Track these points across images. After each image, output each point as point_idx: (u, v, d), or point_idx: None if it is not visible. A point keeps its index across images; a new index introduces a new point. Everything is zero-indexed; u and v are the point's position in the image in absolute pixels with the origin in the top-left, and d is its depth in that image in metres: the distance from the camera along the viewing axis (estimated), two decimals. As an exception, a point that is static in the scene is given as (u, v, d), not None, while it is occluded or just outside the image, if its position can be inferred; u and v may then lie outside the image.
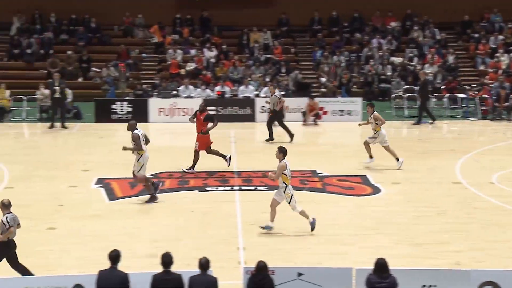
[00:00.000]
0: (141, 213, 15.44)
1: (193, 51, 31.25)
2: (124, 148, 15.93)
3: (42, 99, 25.10)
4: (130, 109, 25.48)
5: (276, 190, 14.11)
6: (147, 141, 16.05)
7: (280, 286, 9.84)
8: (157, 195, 15.94)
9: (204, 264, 9.55)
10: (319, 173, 18.75)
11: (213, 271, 9.71)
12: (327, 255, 12.73)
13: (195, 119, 18.71)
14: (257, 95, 27.69)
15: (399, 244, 13.33)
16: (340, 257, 12.51)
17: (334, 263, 11.81)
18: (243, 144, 22.47)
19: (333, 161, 20.08)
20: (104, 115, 25.28)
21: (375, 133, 19.22)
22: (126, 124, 22.00)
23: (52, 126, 23.81)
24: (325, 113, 26.92)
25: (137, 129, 15.95)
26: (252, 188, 17.43)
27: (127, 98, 26.63)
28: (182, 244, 13.09)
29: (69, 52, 29.82)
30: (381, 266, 9.38)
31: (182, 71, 29.81)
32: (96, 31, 31.75)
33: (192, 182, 17.80)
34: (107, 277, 9.50)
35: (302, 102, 26.72)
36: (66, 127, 23.83)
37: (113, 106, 25.53)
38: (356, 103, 27.36)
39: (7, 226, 11.12)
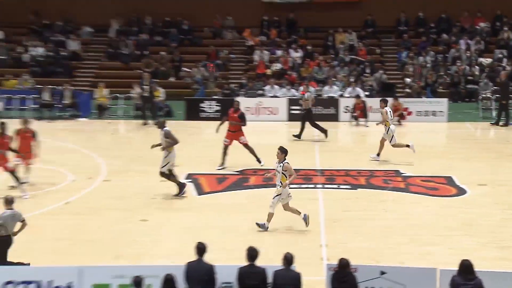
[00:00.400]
0: (227, 208, 15.56)
1: (279, 52, 31.29)
2: (153, 146, 16.16)
3: (136, 98, 25.72)
4: (218, 108, 25.74)
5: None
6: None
7: (363, 283, 9.68)
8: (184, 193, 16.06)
9: (289, 259, 9.52)
10: (403, 173, 18.38)
11: (296, 266, 9.66)
12: (410, 254, 12.44)
13: (227, 118, 18.64)
14: (341, 95, 27.44)
15: (486, 246, 12.88)
16: (424, 257, 12.20)
17: (418, 263, 11.52)
18: (326, 143, 22.30)
19: (417, 161, 19.62)
20: (193, 113, 25.66)
21: (387, 129, 19.19)
22: (215, 122, 22.37)
23: (145, 123, 24.35)
24: (409, 113, 26.37)
25: (165, 126, 16.18)
26: (335, 186, 17.27)
27: (215, 97, 26.94)
28: (266, 239, 13.09)
29: (162, 53, 30.43)
30: (466, 267, 9.08)
31: (268, 72, 29.90)
32: (188, 33, 32.27)
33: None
34: (195, 268, 9.62)
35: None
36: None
37: (202, 105, 25.88)
38: (442, 104, 26.70)
39: (21, 219, 11.47)
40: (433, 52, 31.43)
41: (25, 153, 16.17)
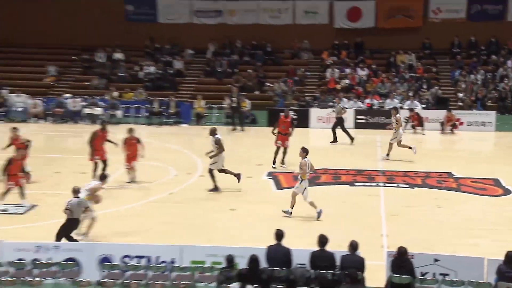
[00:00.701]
0: (301, 201, 15.46)
1: (347, 70, 30.92)
2: (207, 154, 16.07)
3: (227, 108, 26.00)
4: (295, 117, 25.63)
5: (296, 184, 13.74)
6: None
7: (418, 269, 9.43)
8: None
9: (355, 245, 9.39)
10: (455, 175, 17.79)
11: (360, 252, 9.51)
12: (461, 245, 12.02)
13: (278, 123, 18.52)
14: (401, 107, 26.80)
15: (529, 240, 12.30)
16: (473, 248, 11.76)
17: (467, 252, 11.11)
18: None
19: (468, 165, 18.95)
20: (274, 121, 25.57)
21: (394, 132, 19.12)
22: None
23: (234, 129, 24.56)
24: (461, 123, 25.50)
25: (216, 134, 16.05)
26: (395, 185, 16.90)
27: (293, 107, 26.86)
28: (334, 228, 12.93)
29: (249, 71, 30.64)
30: (511, 258, 8.70)
31: (338, 86, 29.59)
32: (271, 54, 32.37)
33: (343, 178, 17.58)
34: (274, 251, 9.62)
35: (440, 114, 25.52)
36: (244, 130, 24.48)
37: (282, 114, 25.83)
38: (490, 116, 25.71)
39: (68, 207, 11.62)
40: (483, 71, 30.28)
41: (132, 157, 16.39)
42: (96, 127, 23.83)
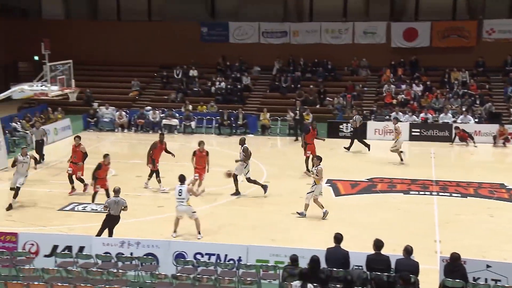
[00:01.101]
0: (358, 207, 15.25)
1: (403, 86, 30.24)
2: (237, 161, 16.05)
3: (290, 120, 25.96)
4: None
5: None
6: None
7: (471, 274, 9.08)
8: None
9: (410, 250, 9.15)
10: (507, 186, 17.02)
11: (414, 256, 9.25)
12: (512, 253, 11.49)
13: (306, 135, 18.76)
14: (454, 121, 25.94)
15: None
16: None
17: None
18: (441, 159, 21.20)
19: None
20: (334, 132, 25.43)
21: (395, 141, 19.80)
22: (348, 140, 22.07)
23: (296, 140, 24.50)
24: (513, 137, 24.37)
25: (245, 144, 16.07)
26: (448, 194, 16.35)
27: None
28: (389, 233, 12.66)
29: (311, 86, 30.54)
30: None
31: (394, 101, 28.97)
32: (331, 70, 32.12)
33: (398, 187, 17.18)
34: (333, 253, 9.51)
35: (493, 128, 24.50)
36: (306, 140, 24.36)
37: (341, 126, 25.61)
38: (543, 130, 24.38)
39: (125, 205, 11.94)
40: (537, 87, 28.83)
41: (201, 168, 16.26)
42: (172, 136, 24.49)
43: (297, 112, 24.64)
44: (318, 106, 29.67)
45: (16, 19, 34.93)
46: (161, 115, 26.32)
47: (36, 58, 29.33)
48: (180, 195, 12.52)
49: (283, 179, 18.12)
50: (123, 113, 26.24)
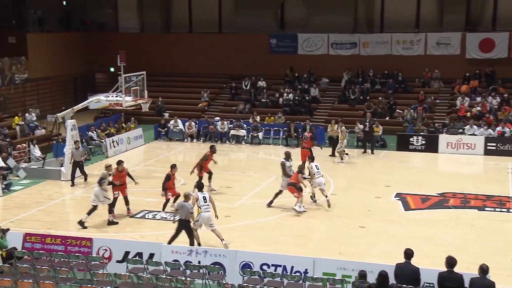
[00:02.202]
0: (429, 222, 14.79)
1: (478, 98, 29.11)
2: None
3: (358, 132, 25.60)
4: (423, 142, 24.65)
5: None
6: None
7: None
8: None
9: (485, 269, 8.77)
10: None
11: (490, 275, 8.85)
12: None
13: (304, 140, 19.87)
14: (533, 135, 24.65)
15: None
16: None
17: None
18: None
19: None
20: (403, 145, 24.83)
21: (340, 142, 21.33)
22: (421, 153, 21.47)
23: (364, 152, 24.12)
24: None
25: (290, 159, 16.16)
26: (527, 212, 15.51)
27: (422, 133, 25.81)
28: (463, 251, 12.19)
29: (380, 98, 30.01)
30: None
31: (468, 114, 27.93)
32: (402, 82, 31.44)
33: (472, 203, 16.50)
34: (403, 269, 9.27)
35: None
36: (374, 153, 23.95)
37: (411, 139, 24.97)
38: None
39: (190, 211, 12.12)
40: None
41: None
42: (240, 146, 24.77)
43: (367, 124, 24.28)
44: (387, 118, 29.13)
45: (95, 33, 36.69)
46: (229, 126, 26.71)
47: (112, 69, 30.70)
48: (205, 202, 12.68)
49: (351, 191, 17.90)
50: (193, 123, 26.87)
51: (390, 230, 14.10)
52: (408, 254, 9.37)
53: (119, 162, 15.32)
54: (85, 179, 18.73)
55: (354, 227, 14.39)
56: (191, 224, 12.30)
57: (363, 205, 16.24)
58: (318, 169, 16.19)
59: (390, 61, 31.54)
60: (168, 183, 15.30)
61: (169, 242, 12.17)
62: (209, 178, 17.22)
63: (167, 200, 15.44)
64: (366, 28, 33.52)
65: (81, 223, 14.32)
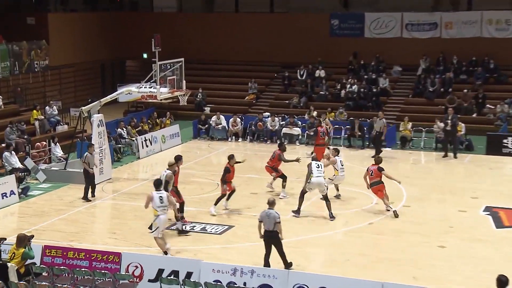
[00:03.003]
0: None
1: None
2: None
3: (438, 132, 25.17)
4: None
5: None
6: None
7: None
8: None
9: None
10: None
11: None
12: None
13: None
14: None
15: None
16: None
17: None
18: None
19: None
20: (495, 148, 24.25)
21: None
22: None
23: (445, 155, 23.69)
24: None
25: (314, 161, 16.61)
26: None
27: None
28: None
29: (465, 91, 29.39)
30: None
31: None
32: (494, 71, 30.69)
33: None
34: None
35: None
36: (457, 157, 23.48)
37: (505, 141, 24.35)
38: None
39: (278, 220, 12.29)
40: None
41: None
42: (293, 147, 24.78)
43: (449, 122, 23.79)
44: (474, 115, 28.52)
45: (126, 13, 37.51)
46: (281, 123, 26.76)
47: (145, 56, 31.35)
48: (162, 203, 13.14)
49: (427, 203, 17.64)
50: (238, 119, 27.03)
51: (477, 251, 13.83)
52: (502, 282, 9.12)
53: (231, 157, 16.50)
54: (93, 195, 17.93)
55: (431, 246, 14.18)
56: (279, 235, 12.46)
57: (443, 220, 15.98)
58: (342, 165, 17.40)
59: (480, 45, 30.86)
60: (228, 176, 16.21)
61: (265, 264, 12.36)
62: (282, 178, 17.92)
63: (223, 195, 16.29)
64: (450, 5, 32.89)
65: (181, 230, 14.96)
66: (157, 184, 13.44)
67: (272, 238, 12.36)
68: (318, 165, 16.17)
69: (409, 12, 32.20)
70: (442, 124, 24.32)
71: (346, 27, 33.36)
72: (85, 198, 17.72)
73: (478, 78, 30.31)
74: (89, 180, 17.90)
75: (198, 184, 19.41)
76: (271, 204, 12.62)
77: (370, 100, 30.09)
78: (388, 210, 16.33)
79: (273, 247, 12.39)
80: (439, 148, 24.64)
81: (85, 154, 18.28)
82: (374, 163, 16.77)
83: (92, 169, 18.00)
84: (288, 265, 12.35)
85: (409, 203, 17.47)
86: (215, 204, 16.33)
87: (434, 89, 30.27)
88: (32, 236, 11.94)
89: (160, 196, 13.17)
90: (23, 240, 11.52)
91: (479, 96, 29.01)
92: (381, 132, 23.83)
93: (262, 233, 12.50)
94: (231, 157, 16.45)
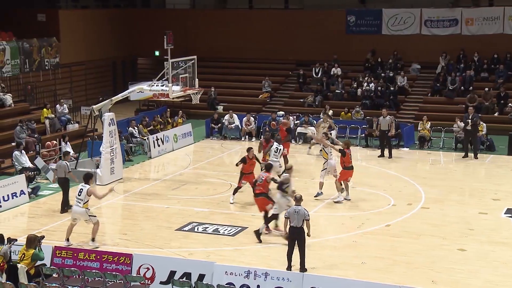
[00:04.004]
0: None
1: None
2: None
3: (458, 131, 25.03)
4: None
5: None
6: None
7: None
8: None
9: None
10: None
11: None
12: None
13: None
14: None
15: None
16: None
17: None
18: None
19: None
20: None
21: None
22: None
23: (465, 156, 23.55)
24: None
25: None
26: None
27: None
28: None
29: (486, 89, 29.21)
30: None
31: None
32: (516, 69, 30.55)
33: None
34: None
35: None
36: (477, 158, 23.34)
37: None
38: None
39: (307, 217, 12.49)
40: None
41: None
42: (307, 147, 24.75)
43: (469, 121, 23.66)
44: (496, 114, 28.35)
45: (138, 9, 37.68)
46: (296, 122, 26.75)
47: (157, 53, 31.46)
48: (79, 195, 14.00)
49: (446, 204, 17.56)
50: (251, 118, 27.06)
51: (499, 255, 13.73)
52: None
53: (249, 149, 17.30)
54: (66, 208, 16.74)
55: (450, 249, 14.11)
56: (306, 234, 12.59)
57: (463, 222, 15.89)
58: (276, 151, 18.28)
59: (502, 42, 30.69)
60: (245, 167, 16.90)
61: (289, 261, 12.56)
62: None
63: (239, 187, 17.08)
64: (470, 1, 32.69)
65: (257, 233, 14.55)
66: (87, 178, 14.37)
67: (298, 234, 12.48)
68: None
69: (428, 8, 32.07)
70: (462, 124, 24.19)
71: (363, 23, 33.28)
72: (63, 209, 16.79)
73: (500, 76, 30.11)
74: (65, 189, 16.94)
75: (211, 184, 19.46)
76: (298, 200, 12.72)
77: (387, 99, 29.98)
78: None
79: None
80: (459, 148, 24.50)
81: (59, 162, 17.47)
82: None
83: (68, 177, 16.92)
84: (304, 269, 12.36)
85: (428, 205, 17.40)
86: (234, 193, 17.45)
87: (454, 87, 30.12)
88: (43, 237, 12.04)
89: (80, 189, 14.16)
90: (33, 241, 11.62)
91: (501, 94, 28.84)
92: (389, 130, 23.54)
93: (287, 230, 12.57)
94: (249, 149, 17.20)
